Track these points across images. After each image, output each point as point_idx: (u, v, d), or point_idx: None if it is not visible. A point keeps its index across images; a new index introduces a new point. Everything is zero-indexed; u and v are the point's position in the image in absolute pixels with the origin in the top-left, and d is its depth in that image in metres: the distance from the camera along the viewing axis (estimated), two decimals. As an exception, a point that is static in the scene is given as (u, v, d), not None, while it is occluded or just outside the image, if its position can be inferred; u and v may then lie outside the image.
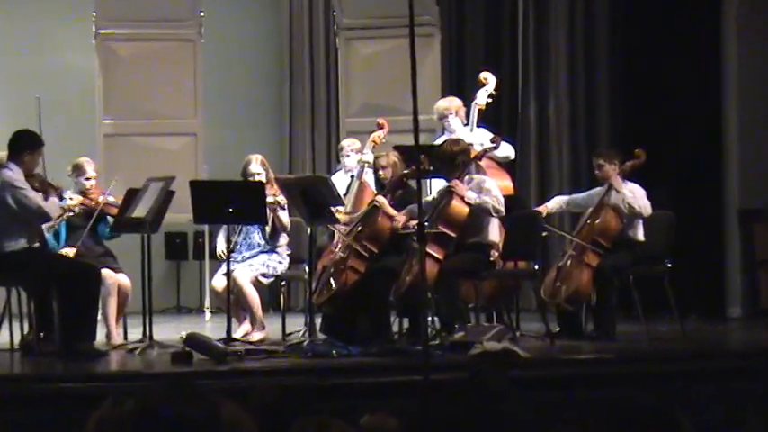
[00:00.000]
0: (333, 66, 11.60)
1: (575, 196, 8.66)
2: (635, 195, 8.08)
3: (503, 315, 8.45)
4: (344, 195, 8.49)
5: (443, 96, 9.59)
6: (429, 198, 8.08)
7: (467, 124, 8.94)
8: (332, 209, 7.89)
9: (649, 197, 8.15)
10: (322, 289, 8.03)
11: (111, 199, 8.24)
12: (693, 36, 10.14)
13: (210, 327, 9.64)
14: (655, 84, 10.20)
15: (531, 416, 3.15)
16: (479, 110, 8.99)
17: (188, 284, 11.97)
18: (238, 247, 8.51)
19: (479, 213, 7.82)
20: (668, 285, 8.05)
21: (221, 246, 8.48)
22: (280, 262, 8.52)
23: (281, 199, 8.22)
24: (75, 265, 7.80)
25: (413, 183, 7.90)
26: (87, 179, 8.38)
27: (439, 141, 8.58)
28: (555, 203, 8.56)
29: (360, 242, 7.93)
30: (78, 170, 8.42)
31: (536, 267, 8.12)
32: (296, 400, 3.41)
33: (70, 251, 8.14)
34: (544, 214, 8.41)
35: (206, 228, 11.11)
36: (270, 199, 8.18)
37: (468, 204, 7.79)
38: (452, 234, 7.78)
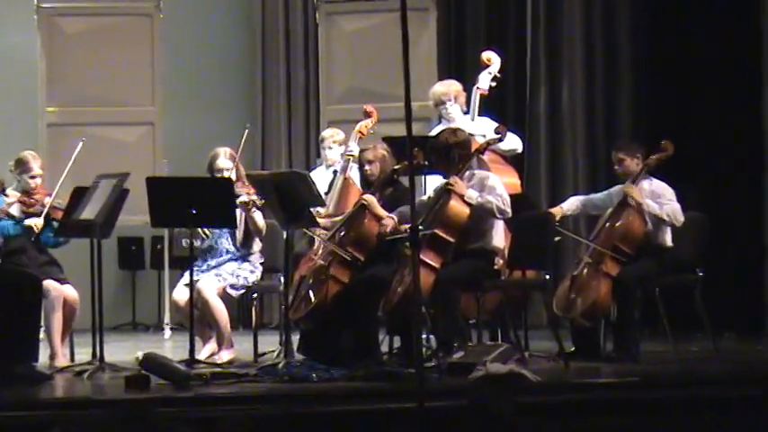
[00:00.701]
0: (312, 45, 11.60)
1: (591, 196, 8.65)
2: (663, 197, 8.07)
3: (509, 332, 8.45)
4: (326, 194, 8.49)
5: (440, 80, 9.61)
6: (424, 198, 8.08)
7: (467, 112, 8.95)
8: (311, 210, 7.88)
9: (678, 197, 8.14)
10: (300, 302, 8.03)
11: (59, 201, 8.17)
12: (728, 11, 10.13)
13: (171, 346, 9.65)
14: (684, 66, 10.21)
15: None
16: (482, 95, 9.01)
17: (145, 297, 11.96)
18: (203, 254, 8.50)
19: (482, 215, 7.82)
20: (700, 298, 8.06)
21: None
22: (251, 271, 8.51)
23: (256, 198, 8.20)
24: (14, 274, 7.78)
25: (405, 180, 7.91)
26: (32, 177, 8.31)
27: (435, 132, 8.58)
28: (571, 204, 8.55)
29: (344, 248, 7.93)
30: (22, 166, 8.35)
31: (547, 277, 8.11)
32: None
33: (38, 221, 8.06)
34: (558, 217, 8.41)
35: (165, 232, 11.10)
36: (243, 198, 8.17)
37: (469, 204, 7.79)
38: (451, 239, 7.78)
